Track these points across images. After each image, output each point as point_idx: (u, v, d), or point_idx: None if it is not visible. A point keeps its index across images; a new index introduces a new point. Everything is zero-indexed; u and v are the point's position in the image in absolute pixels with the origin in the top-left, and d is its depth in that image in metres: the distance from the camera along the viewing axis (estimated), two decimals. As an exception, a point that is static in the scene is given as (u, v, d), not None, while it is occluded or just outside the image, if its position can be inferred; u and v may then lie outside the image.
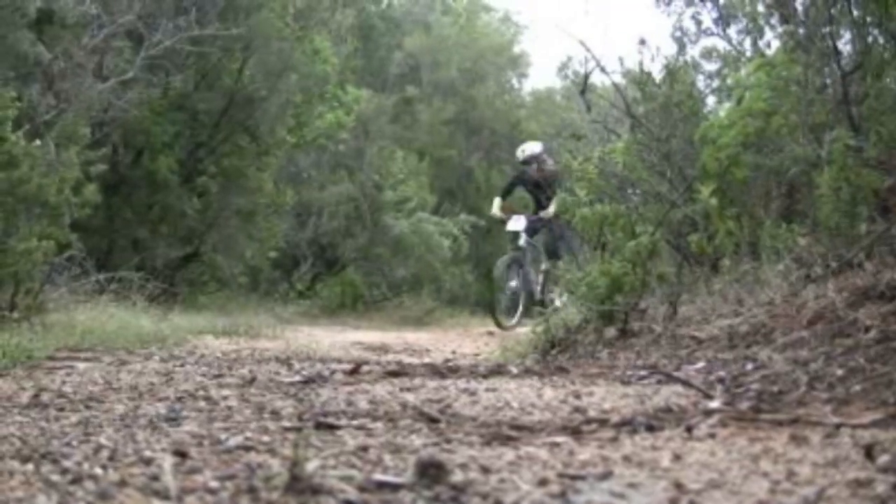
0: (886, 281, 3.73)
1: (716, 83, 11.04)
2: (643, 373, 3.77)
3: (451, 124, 23.76)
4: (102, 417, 2.88)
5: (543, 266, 12.71)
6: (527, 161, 12.96)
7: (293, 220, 16.15)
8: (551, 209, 12.02)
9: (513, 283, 12.27)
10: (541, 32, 42.58)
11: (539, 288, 12.62)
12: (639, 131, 6.71)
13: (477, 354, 6.46)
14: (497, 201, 13.03)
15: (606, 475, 1.96)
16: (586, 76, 7.27)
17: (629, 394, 3.23)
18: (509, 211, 12.98)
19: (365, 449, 2.28)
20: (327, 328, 10.40)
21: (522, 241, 12.42)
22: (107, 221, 11.88)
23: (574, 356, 4.96)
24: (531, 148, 13.17)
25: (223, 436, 2.48)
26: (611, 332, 5.14)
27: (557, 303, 12.32)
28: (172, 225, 12.97)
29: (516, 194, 13.65)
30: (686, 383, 3.30)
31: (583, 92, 7.53)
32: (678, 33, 11.37)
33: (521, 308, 12.17)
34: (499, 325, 11.53)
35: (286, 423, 2.70)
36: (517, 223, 12.57)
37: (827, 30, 5.51)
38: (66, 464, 2.12)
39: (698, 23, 11.53)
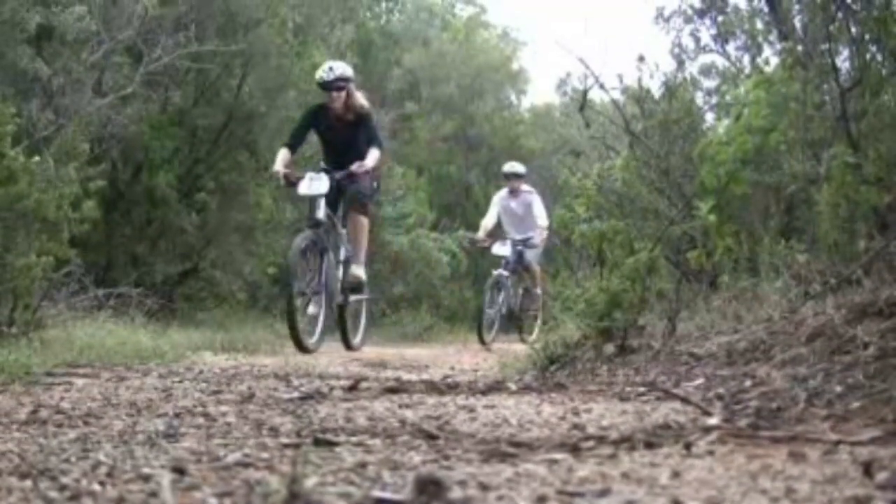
0: (885, 298, 3.73)
1: (714, 100, 11.08)
2: (642, 389, 3.77)
3: (450, 140, 23.76)
4: (101, 433, 2.88)
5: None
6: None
7: (292, 236, 16.12)
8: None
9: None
10: (540, 49, 42.73)
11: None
12: (638, 148, 6.73)
13: (475, 370, 6.45)
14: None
15: (605, 492, 1.95)
16: (585, 93, 7.30)
17: (628, 410, 3.23)
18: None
19: (363, 465, 2.28)
20: (326, 344, 10.37)
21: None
22: (106, 237, 11.87)
23: (573, 372, 4.96)
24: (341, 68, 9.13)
25: (222, 452, 2.48)
26: (609, 348, 5.14)
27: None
28: (171, 241, 12.97)
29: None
30: (685, 400, 3.30)
31: (582, 108, 7.55)
32: (677, 50, 11.42)
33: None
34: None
35: (285, 440, 2.70)
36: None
37: (825, 47, 5.53)
38: (65, 480, 2.11)
39: (697, 40, 11.58)
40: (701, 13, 11.54)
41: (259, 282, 14.69)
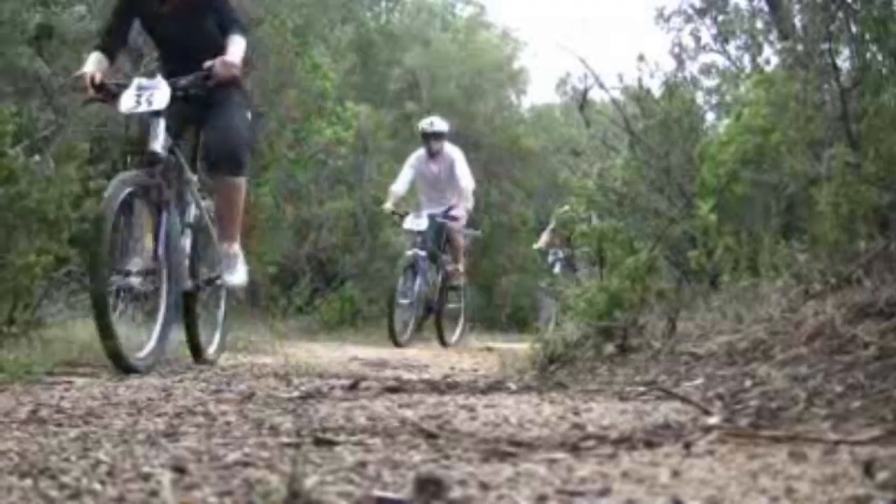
0: (885, 297, 3.73)
1: (715, 99, 11.08)
2: (642, 389, 3.77)
3: (450, 140, 23.78)
4: (101, 433, 2.88)
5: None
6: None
7: (292, 236, 16.13)
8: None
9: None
10: (540, 49, 42.69)
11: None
12: (638, 147, 6.72)
13: (475, 370, 6.45)
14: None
15: (605, 491, 1.95)
16: (585, 92, 7.30)
17: (628, 410, 3.23)
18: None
19: (364, 465, 2.28)
20: (326, 343, 10.38)
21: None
22: (106, 237, 11.84)
23: (573, 372, 4.96)
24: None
25: (222, 451, 2.48)
26: (609, 348, 5.14)
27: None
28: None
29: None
30: (685, 399, 3.30)
31: (582, 108, 7.55)
32: (677, 49, 11.42)
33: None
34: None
35: (285, 439, 2.70)
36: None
37: (826, 46, 5.53)
38: (65, 479, 2.12)
39: (697, 39, 11.60)
40: (701, 13, 11.55)
41: (259, 281, 14.69)
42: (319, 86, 14.59)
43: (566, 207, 14.62)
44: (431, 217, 11.15)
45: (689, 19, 11.65)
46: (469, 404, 3.51)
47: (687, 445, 2.40)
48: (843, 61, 5.64)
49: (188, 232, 6.32)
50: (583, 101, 7.42)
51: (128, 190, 5.39)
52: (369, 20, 23.27)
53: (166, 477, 2.09)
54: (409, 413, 3.28)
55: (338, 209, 16.95)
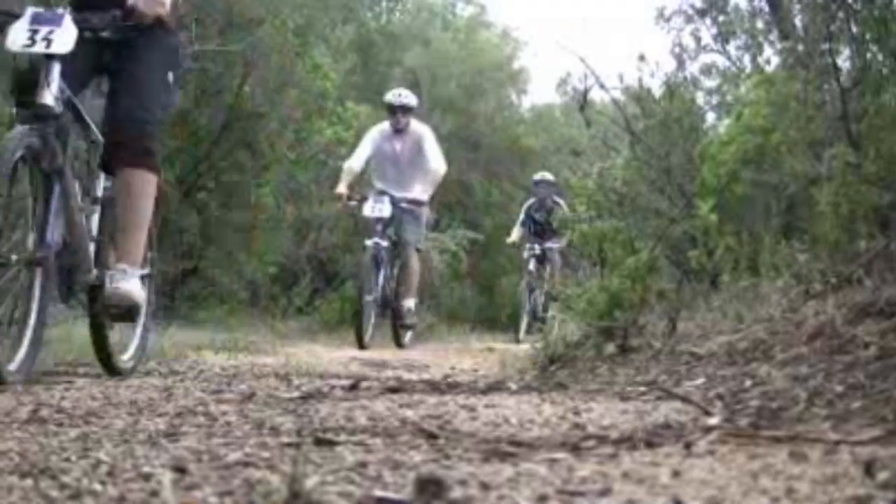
0: (886, 297, 3.73)
1: (715, 99, 11.07)
2: (642, 389, 3.77)
3: (451, 139, 23.76)
4: (102, 433, 2.88)
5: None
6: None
7: (293, 236, 16.13)
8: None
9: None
10: (540, 48, 42.64)
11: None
12: (638, 147, 6.72)
13: (476, 370, 6.45)
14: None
15: (606, 491, 1.95)
16: (585, 92, 7.29)
17: (628, 410, 3.23)
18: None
19: (364, 465, 2.28)
20: (326, 344, 10.37)
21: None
22: (106, 236, 11.85)
23: (573, 372, 4.96)
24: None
25: (222, 451, 2.48)
26: (610, 348, 5.14)
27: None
28: (172, 240, 12.97)
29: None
30: (685, 399, 3.30)
31: (582, 108, 7.54)
32: (677, 49, 11.42)
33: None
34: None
35: (285, 439, 2.70)
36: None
37: (826, 46, 5.53)
38: (65, 479, 2.12)
39: (697, 39, 11.61)
40: (702, 13, 11.56)
41: (260, 281, 14.69)
42: (320, 86, 14.59)
43: (532, 200, 14.75)
44: (394, 203, 9.87)
45: (689, 19, 11.66)
46: (470, 404, 3.51)
47: (687, 445, 2.40)
48: (844, 61, 5.64)
49: (95, 209, 5.02)
50: (583, 101, 7.40)
51: (17, 154, 4.14)
52: (370, 20, 23.25)
53: (167, 477, 2.09)
54: (409, 413, 3.28)
55: (338, 209, 16.96)
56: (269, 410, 3.46)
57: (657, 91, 7.38)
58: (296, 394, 4.03)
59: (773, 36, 10.01)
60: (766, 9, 10.37)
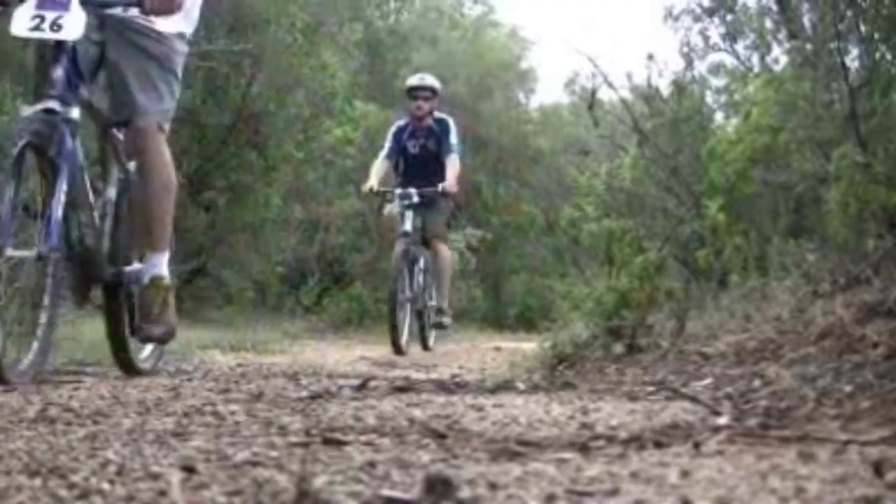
0: (894, 297, 3.72)
1: (723, 99, 11.06)
2: (651, 389, 3.77)
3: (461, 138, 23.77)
4: (110, 432, 2.88)
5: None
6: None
7: (301, 235, 16.16)
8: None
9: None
10: (548, 48, 42.61)
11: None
12: (646, 147, 6.72)
13: (484, 370, 6.45)
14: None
15: (614, 492, 1.95)
16: (594, 91, 7.30)
17: (637, 410, 3.23)
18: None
19: (372, 464, 2.28)
20: (334, 343, 10.38)
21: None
22: (114, 236, 11.86)
23: (581, 372, 4.95)
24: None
25: (231, 451, 2.48)
26: (618, 347, 5.13)
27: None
28: (180, 239, 12.97)
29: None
30: (694, 399, 3.30)
31: (590, 107, 7.55)
32: (686, 49, 11.39)
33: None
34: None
35: (293, 439, 2.70)
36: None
37: (835, 46, 5.52)
38: (74, 479, 2.12)
39: (706, 38, 11.57)
40: (710, 12, 11.53)
41: (267, 281, 14.71)
42: (328, 85, 14.60)
43: (404, 122, 10.22)
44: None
45: (697, 19, 11.62)
46: (478, 404, 3.51)
47: (696, 445, 2.39)
48: (852, 60, 5.64)
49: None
50: (591, 101, 7.42)
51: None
52: (378, 19, 23.25)
53: (175, 476, 2.09)
54: (417, 413, 3.28)
55: (346, 209, 16.98)
56: (277, 410, 3.46)
57: (665, 90, 7.39)
58: (304, 393, 4.02)
59: (782, 35, 9.99)
60: (775, 8, 10.34)
